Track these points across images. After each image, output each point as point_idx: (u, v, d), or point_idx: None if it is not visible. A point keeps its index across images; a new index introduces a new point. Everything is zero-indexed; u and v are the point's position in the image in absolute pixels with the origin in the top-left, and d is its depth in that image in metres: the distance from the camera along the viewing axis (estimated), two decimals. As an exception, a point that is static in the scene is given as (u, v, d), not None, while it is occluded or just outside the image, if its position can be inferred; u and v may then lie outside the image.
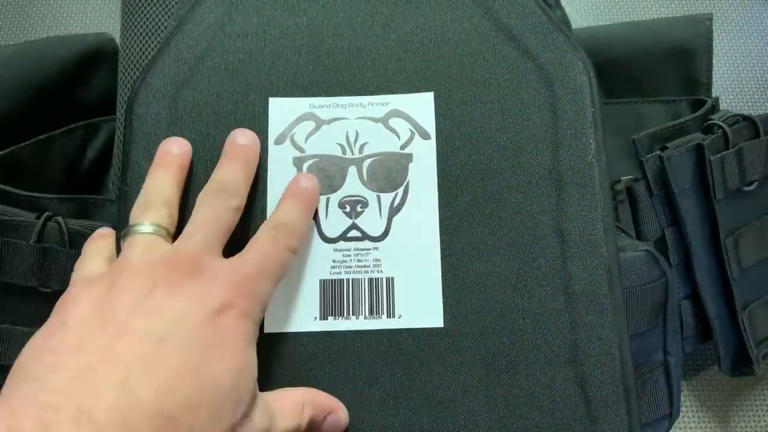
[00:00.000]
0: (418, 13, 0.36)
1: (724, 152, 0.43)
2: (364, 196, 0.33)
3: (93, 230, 0.33)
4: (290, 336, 0.31)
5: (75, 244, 0.35)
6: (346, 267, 0.32)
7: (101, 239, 0.32)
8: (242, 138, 0.32)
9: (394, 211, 0.33)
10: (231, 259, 0.29)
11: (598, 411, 0.30)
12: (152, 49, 0.39)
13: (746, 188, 0.44)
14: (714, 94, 0.48)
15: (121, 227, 0.33)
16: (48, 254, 0.35)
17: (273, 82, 0.35)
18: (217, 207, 0.30)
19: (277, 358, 0.31)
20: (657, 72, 0.50)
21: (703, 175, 0.43)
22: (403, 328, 0.32)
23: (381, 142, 0.34)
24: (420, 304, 0.32)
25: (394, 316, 0.32)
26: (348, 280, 0.32)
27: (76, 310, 0.26)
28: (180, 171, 0.32)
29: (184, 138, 0.33)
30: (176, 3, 0.39)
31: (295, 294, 0.32)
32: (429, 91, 0.35)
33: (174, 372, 0.24)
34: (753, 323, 0.45)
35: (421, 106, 0.34)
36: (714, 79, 0.49)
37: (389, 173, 0.34)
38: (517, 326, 0.31)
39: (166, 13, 0.40)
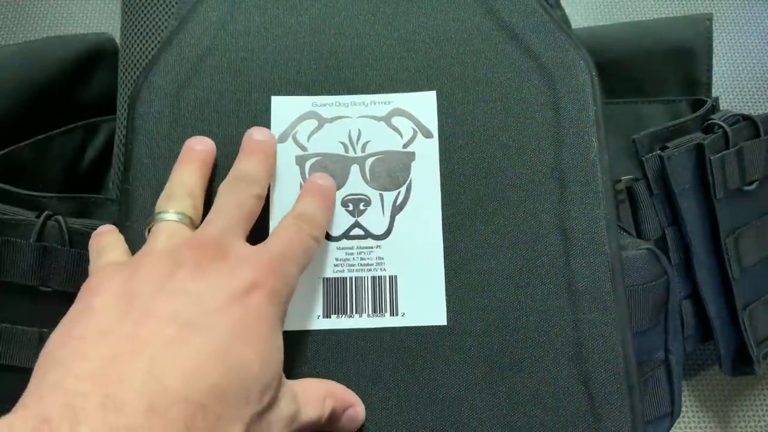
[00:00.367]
0: (420, 11, 0.36)
1: (724, 152, 0.43)
2: (366, 195, 0.33)
3: (93, 229, 0.33)
4: (294, 334, 0.31)
5: (75, 243, 0.35)
6: (350, 265, 0.32)
7: (109, 234, 0.32)
8: (259, 134, 0.32)
9: (396, 209, 0.33)
10: (255, 246, 0.29)
11: (601, 408, 0.30)
12: (152, 49, 0.39)
13: (746, 188, 0.45)
14: (714, 94, 0.48)
15: (123, 225, 0.33)
16: (48, 253, 0.35)
17: (275, 81, 0.35)
18: (239, 194, 0.30)
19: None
20: (657, 72, 0.50)
21: (704, 175, 0.43)
22: (407, 326, 0.32)
23: (383, 141, 0.34)
24: (423, 302, 0.32)
25: (397, 314, 0.32)
26: (351, 278, 0.32)
27: (101, 296, 0.26)
28: (203, 166, 0.32)
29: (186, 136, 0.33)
30: (176, 2, 0.39)
31: (299, 292, 0.32)
32: (431, 89, 0.35)
33: (200, 357, 0.24)
34: (753, 323, 0.45)
35: (424, 104, 0.34)
36: (714, 79, 0.49)
37: (392, 172, 0.34)
38: (520, 324, 0.31)
39: (166, 12, 0.40)
